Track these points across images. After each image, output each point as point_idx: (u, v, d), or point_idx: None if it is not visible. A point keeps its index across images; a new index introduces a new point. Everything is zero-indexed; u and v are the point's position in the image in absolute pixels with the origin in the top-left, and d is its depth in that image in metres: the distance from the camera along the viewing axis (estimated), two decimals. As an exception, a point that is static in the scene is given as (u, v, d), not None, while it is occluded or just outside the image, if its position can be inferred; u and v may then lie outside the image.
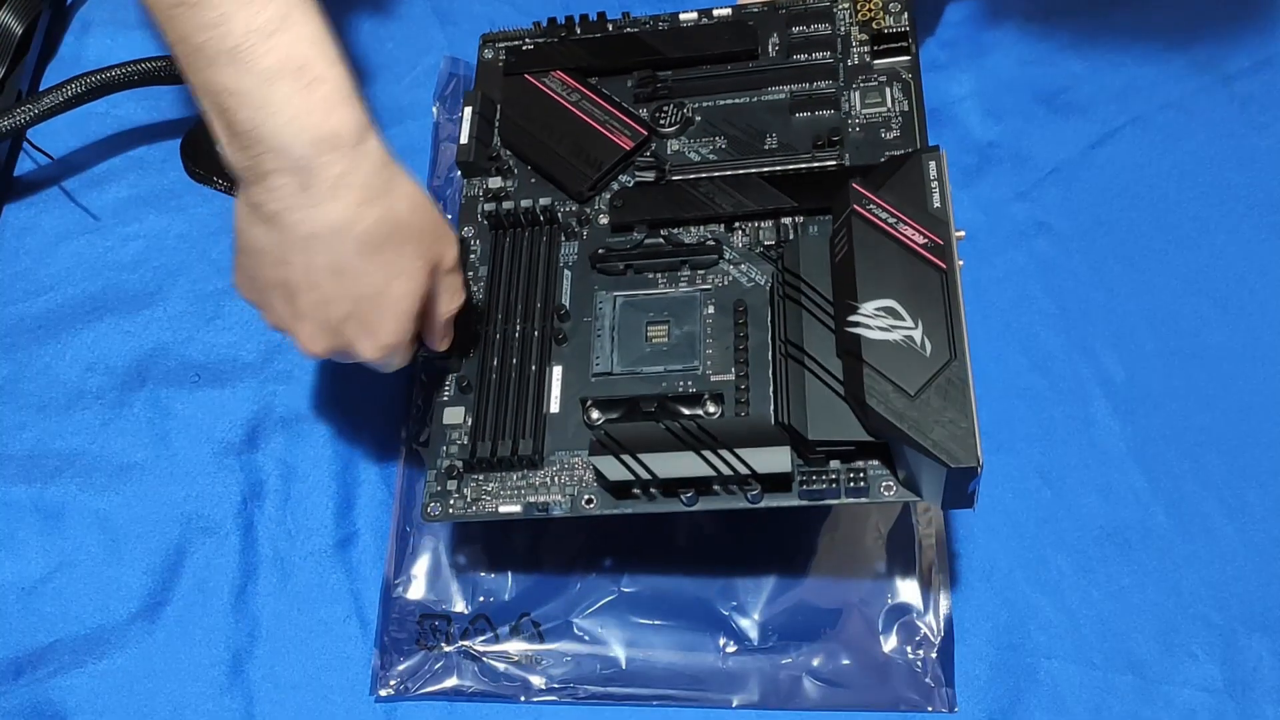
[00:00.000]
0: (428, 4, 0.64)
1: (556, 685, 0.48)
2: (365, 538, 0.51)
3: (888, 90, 0.48)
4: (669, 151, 0.49)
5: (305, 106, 0.37)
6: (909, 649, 0.48)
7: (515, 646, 0.49)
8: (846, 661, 0.48)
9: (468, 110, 0.51)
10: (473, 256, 0.48)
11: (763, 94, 0.50)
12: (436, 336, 0.45)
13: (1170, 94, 0.60)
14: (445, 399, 0.46)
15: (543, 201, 0.48)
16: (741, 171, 0.47)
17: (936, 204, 0.42)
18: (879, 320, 0.39)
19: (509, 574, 0.50)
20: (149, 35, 0.63)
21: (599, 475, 0.42)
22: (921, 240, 0.41)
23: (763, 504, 0.41)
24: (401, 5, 0.64)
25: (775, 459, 0.40)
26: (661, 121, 0.49)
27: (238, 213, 0.41)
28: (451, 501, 0.44)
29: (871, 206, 0.42)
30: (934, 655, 0.48)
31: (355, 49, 0.63)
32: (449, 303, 0.44)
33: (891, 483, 0.40)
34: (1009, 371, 0.54)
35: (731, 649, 0.48)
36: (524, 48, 0.53)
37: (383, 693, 0.48)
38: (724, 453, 0.40)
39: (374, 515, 0.52)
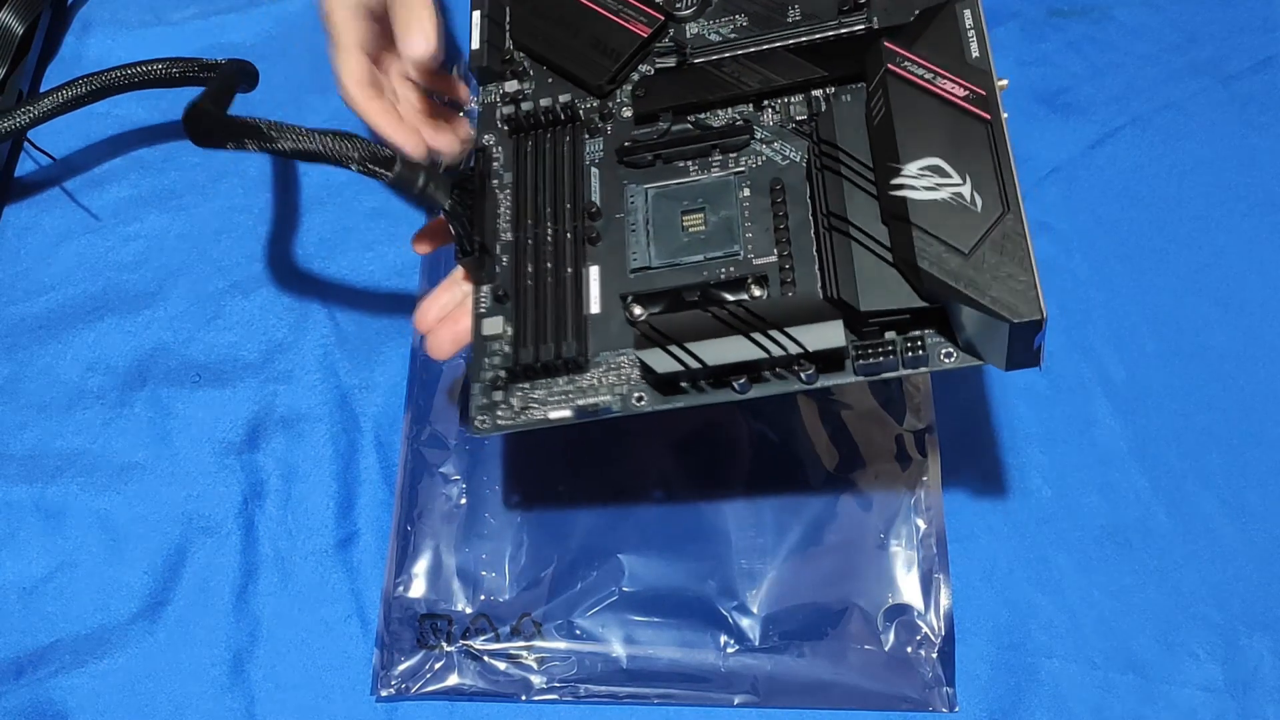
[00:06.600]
0: (428, 4, 0.64)
1: (557, 684, 0.48)
2: (366, 537, 0.51)
3: None
4: (688, 35, 0.47)
5: None
6: (909, 648, 0.48)
7: (516, 646, 0.49)
8: (847, 660, 0.48)
9: (476, 14, 0.48)
10: (495, 164, 0.47)
11: None
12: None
13: (1170, 94, 0.60)
14: (482, 310, 0.44)
15: (562, 99, 0.46)
16: (766, 46, 0.45)
17: (975, 54, 0.39)
18: (924, 180, 0.37)
19: (509, 574, 0.50)
20: (149, 35, 0.63)
21: (646, 370, 0.41)
22: (962, 93, 0.38)
23: (819, 384, 0.40)
24: (402, 6, 0.64)
25: (827, 334, 0.38)
26: (678, 5, 0.47)
27: None
28: (499, 413, 0.42)
29: (906, 63, 0.39)
30: (934, 654, 0.48)
31: (356, 49, 0.63)
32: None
33: (951, 349, 0.38)
34: (1009, 371, 0.54)
35: (732, 648, 0.48)
36: None
37: (384, 692, 0.48)
38: (774, 333, 0.38)
39: (374, 515, 0.52)
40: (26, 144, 0.59)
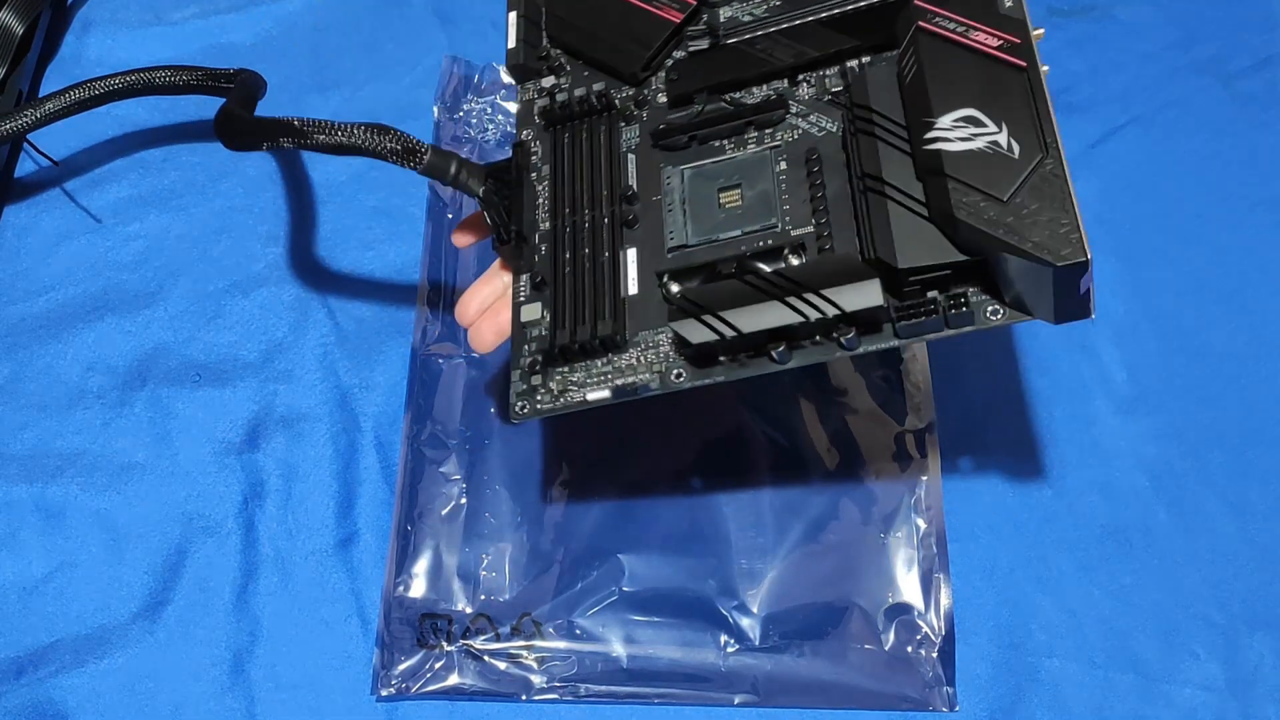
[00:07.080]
0: (428, 4, 0.64)
1: (558, 684, 0.48)
2: (366, 537, 0.51)
3: None
4: (721, 20, 0.46)
5: None
6: (910, 648, 0.48)
7: (516, 646, 0.49)
8: (847, 660, 0.48)
9: (512, 15, 0.48)
10: (534, 158, 0.47)
11: None
12: None
13: (1171, 93, 0.60)
14: (521, 300, 0.44)
15: (596, 86, 0.47)
16: (799, 21, 0.44)
17: (1009, 4, 0.39)
18: (959, 131, 0.36)
19: (509, 574, 0.50)
20: (149, 35, 0.63)
21: (681, 344, 0.40)
22: (996, 43, 0.37)
23: (860, 349, 0.39)
24: (401, 5, 0.64)
25: (865, 294, 0.37)
26: None
27: None
28: (538, 397, 0.42)
29: (937, 19, 0.39)
30: (935, 654, 0.48)
31: (355, 49, 0.63)
32: None
33: (997, 306, 0.37)
34: (1010, 371, 0.54)
35: (732, 648, 0.48)
36: None
37: (384, 692, 0.48)
38: (809, 296, 0.37)
39: (375, 515, 0.52)
40: (27, 146, 0.59)
